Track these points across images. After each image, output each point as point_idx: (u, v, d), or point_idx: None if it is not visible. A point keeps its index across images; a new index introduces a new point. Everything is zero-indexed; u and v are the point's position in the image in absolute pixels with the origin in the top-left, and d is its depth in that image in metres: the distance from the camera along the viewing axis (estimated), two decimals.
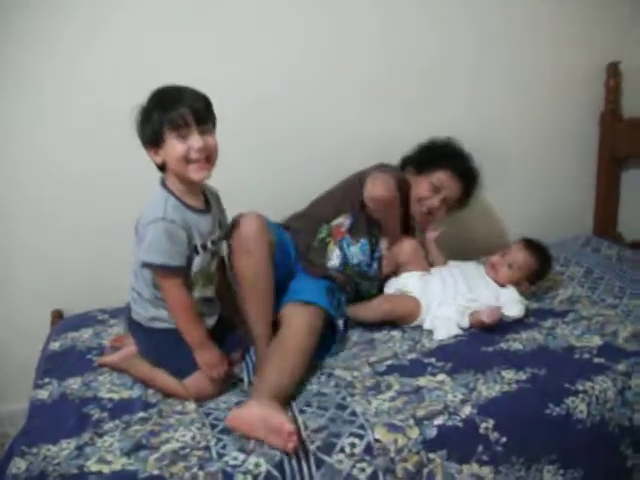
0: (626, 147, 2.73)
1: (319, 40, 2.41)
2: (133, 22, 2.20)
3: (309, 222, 2.21)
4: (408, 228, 2.32)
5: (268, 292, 1.88)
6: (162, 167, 1.69)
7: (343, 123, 2.50)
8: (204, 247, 1.71)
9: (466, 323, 2.03)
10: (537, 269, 2.22)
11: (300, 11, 2.36)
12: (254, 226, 1.85)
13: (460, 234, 2.60)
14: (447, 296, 2.09)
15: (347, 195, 2.21)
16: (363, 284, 2.17)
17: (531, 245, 2.23)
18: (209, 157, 1.64)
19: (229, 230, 1.86)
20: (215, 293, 1.83)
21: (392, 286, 2.17)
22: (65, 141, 2.23)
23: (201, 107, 1.62)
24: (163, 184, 1.69)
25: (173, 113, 1.58)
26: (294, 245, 2.14)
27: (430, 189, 2.28)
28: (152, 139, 1.62)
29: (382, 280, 2.20)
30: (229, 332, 1.90)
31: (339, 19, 2.40)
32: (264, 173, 2.42)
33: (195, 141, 1.60)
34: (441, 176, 2.28)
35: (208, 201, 1.77)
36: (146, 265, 1.64)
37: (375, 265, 2.15)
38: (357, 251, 2.12)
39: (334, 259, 2.11)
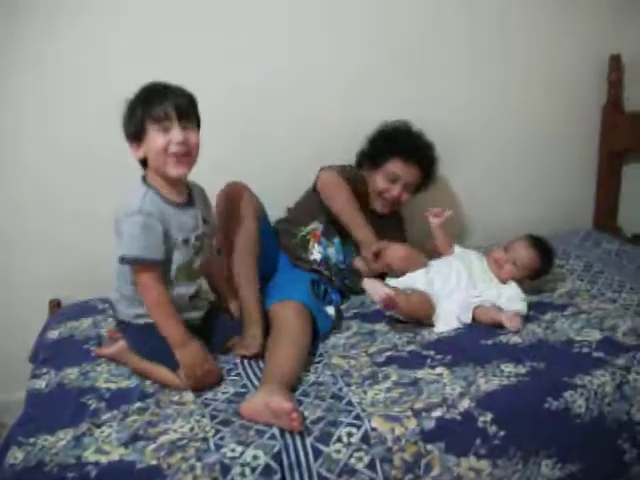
0: (627, 140, 2.72)
1: (306, 35, 2.41)
2: (145, 14, 2.22)
3: (289, 225, 2.28)
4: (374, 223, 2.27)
5: (255, 254, 1.98)
6: (144, 163, 1.69)
7: (328, 118, 2.49)
8: (186, 242, 1.71)
9: (468, 318, 2.02)
10: (540, 268, 2.21)
11: (290, 8, 2.36)
12: (241, 190, 1.99)
13: (460, 225, 2.59)
14: (449, 290, 2.08)
15: (317, 199, 2.24)
16: (348, 279, 2.25)
17: (537, 243, 2.20)
18: (189, 152, 1.65)
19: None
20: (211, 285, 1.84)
21: (396, 284, 2.12)
22: (73, 125, 2.24)
23: (184, 103, 1.64)
24: (144, 179, 1.69)
25: (156, 107, 1.60)
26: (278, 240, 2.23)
27: (386, 180, 2.30)
28: (134, 133, 1.63)
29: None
30: (222, 320, 1.90)
31: (328, 16, 2.40)
32: (251, 167, 2.39)
33: (176, 134, 1.61)
34: (394, 165, 2.29)
35: (192, 197, 1.77)
36: (122, 259, 1.63)
37: (348, 261, 2.24)
38: (333, 251, 2.24)
39: (315, 254, 2.21)
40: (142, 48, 2.23)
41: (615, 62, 2.71)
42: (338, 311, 2.12)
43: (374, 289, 1.95)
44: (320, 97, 2.46)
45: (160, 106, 1.60)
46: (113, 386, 1.73)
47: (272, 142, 2.47)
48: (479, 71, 2.63)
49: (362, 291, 2.13)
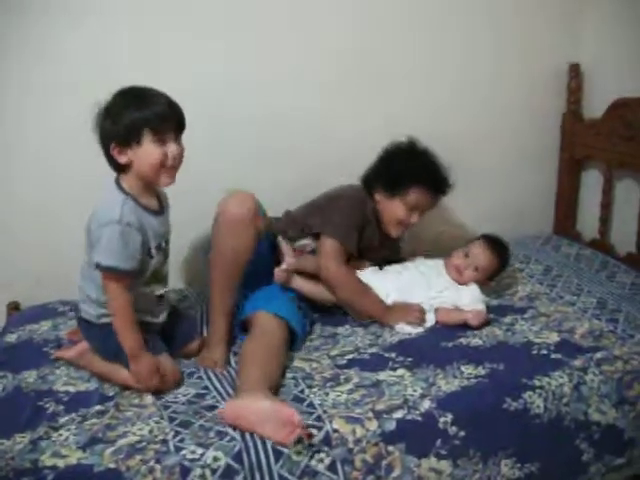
0: (586, 148, 2.77)
1: (289, 40, 2.40)
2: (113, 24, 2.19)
3: (281, 233, 2.19)
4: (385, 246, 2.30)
5: (239, 275, 1.90)
6: (120, 167, 1.66)
7: (312, 121, 2.50)
8: (158, 248, 1.71)
9: (432, 320, 2.04)
10: (498, 268, 2.24)
11: (270, 10, 2.35)
12: (245, 207, 1.86)
13: (421, 233, 2.61)
14: (405, 293, 2.10)
15: (312, 219, 2.18)
16: None
17: (492, 243, 2.21)
18: (179, 164, 1.67)
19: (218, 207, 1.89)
20: None
21: None
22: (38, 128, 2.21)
23: (183, 117, 1.65)
24: (118, 184, 1.67)
25: (155, 114, 1.59)
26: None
27: (407, 210, 2.18)
28: (123, 137, 1.60)
29: None
30: (183, 323, 1.91)
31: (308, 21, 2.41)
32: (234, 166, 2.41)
33: (173, 148, 1.62)
34: (416, 196, 2.17)
35: (161, 202, 1.77)
36: (98, 267, 1.62)
37: None
38: None
39: None
40: (139, 52, 2.22)
41: (574, 70, 2.76)
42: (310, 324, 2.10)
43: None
44: (300, 103, 2.47)
45: (161, 116, 1.59)
46: (72, 389, 1.71)
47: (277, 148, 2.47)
48: (441, 79, 2.66)
49: (336, 307, 2.13)
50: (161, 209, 1.75)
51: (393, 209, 2.19)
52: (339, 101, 2.53)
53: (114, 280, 1.62)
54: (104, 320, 1.72)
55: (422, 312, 2.03)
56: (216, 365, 1.82)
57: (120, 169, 1.67)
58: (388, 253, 2.31)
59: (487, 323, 2.04)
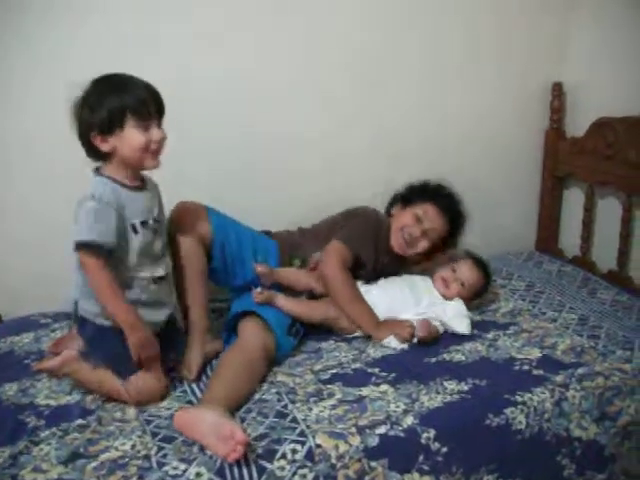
0: (568, 165, 2.80)
1: (289, 51, 2.43)
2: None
3: (289, 247, 2.24)
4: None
5: (198, 281, 1.96)
6: (101, 156, 1.66)
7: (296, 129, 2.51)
8: (144, 224, 1.69)
9: (415, 339, 2.04)
10: (482, 288, 2.28)
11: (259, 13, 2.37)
12: (185, 217, 1.97)
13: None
14: (393, 309, 2.10)
15: (333, 234, 2.21)
16: None
17: (479, 264, 2.27)
18: (162, 148, 1.67)
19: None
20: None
21: None
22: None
23: (161, 98, 1.65)
24: (98, 172, 1.67)
25: (136, 99, 1.59)
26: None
27: (413, 218, 2.24)
28: (105, 124, 1.59)
29: None
30: (175, 337, 1.88)
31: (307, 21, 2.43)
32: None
33: (156, 133, 1.63)
34: (426, 208, 2.25)
35: (145, 182, 1.75)
36: (75, 247, 1.60)
37: None
38: None
39: None
40: (141, 51, 2.23)
41: (557, 89, 2.80)
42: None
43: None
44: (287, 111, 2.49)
45: (142, 101, 1.59)
46: (53, 402, 1.69)
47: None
48: (425, 97, 2.68)
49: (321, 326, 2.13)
50: (143, 187, 1.73)
51: (402, 217, 2.29)
52: (334, 114, 2.56)
53: (90, 257, 1.59)
54: (100, 320, 1.69)
55: (413, 328, 2.03)
56: (190, 373, 1.83)
57: (101, 158, 1.66)
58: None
59: (435, 338, 2.04)
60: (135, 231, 1.67)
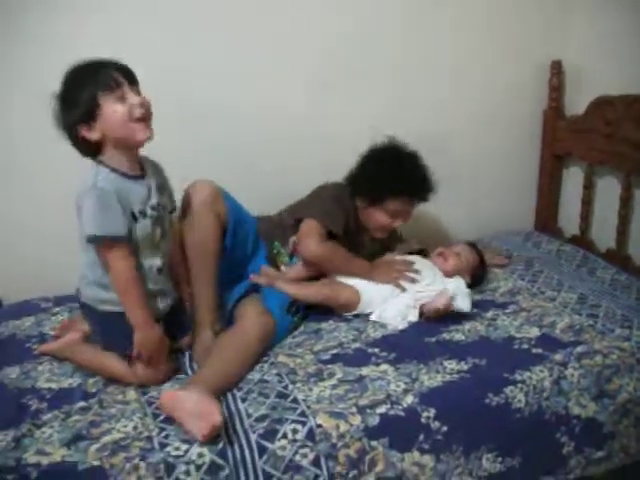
0: (567, 144, 2.80)
1: (276, 33, 2.40)
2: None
3: (272, 230, 2.23)
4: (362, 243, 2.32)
5: (212, 260, 1.93)
6: (95, 149, 1.64)
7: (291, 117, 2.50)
8: (143, 213, 1.68)
9: (415, 317, 2.05)
10: (478, 268, 2.31)
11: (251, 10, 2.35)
12: (204, 194, 1.93)
13: (402, 230, 2.62)
14: (394, 290, 2.11)
15: (297, 214, 2.20)
16: None
17: (472, 246, 2.33)
18: (150, 115, 1.64)
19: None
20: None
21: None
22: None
23: (127, 67, 1.63)
24: (96, 161, 1.66)
25: (104, 77, 1.57)
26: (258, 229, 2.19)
27: (388, 216, 2.21)
28: (85, 113, 1.58)
29: None
30: (180, 318, 1.89)
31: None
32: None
33: (134, 98, 1.60)
34: (395, 204, 2.18)
35: (144, 169, 1.74)
36: (89, 240, 1.60)
37: None
38: None
39: (283, 269, 2.19)
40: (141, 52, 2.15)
41: (556, 68, 2.78)
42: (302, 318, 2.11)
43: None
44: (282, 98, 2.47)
45: (108, 75, 1.57)
46: (55, 386, 1.70)
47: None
48: (424, 78, 2.67)
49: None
50: (142, 175, 1.72)
51: (375, 217, 2.23)
52: (324, 98, 2.53)
53: (107, 248, 1.60)
54: (104, 307, 1.70)
55: (407, 264, 2.04)
56: (202, 352, 1.82)
57: (96, 151, 1.65)
58: (379, 248, 2.34)
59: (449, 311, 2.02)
60: (135, 220, 1.66)
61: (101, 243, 1.60)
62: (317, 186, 2.27)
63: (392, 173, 2.16)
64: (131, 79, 1.62)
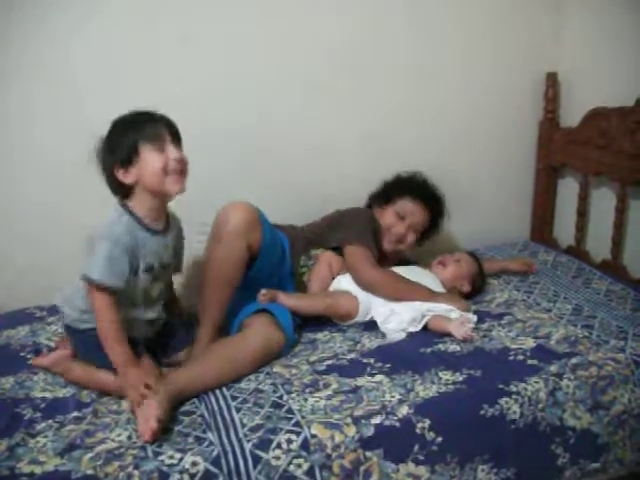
0: (562, 155, 2.81)
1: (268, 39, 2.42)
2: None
3: (302, 247, 2.25)
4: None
5: (229, 287, 1.91)
6: (126, 192, 1.70)
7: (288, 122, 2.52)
8: (150, 268, 1.72)
9: (417, 328, 2.04)
10: (477, 275, 2.32)
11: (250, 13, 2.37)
12: (238, 219, 1.88)
13: None
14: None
15: (331, 234, 2.25)
16: None
17: (471, 255, 2.35)
18: (185, 170, 1.70)
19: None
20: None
21: (332, 286, 2.19)
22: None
23: (174, 124, 1.70)
24: (123, 205, 1.71)
25: (149, 128, 1.65)
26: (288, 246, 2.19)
27: (395, 216, 2.32)
28: (125, 157, 1.65)
29: None
30: (175, 333, 1.91)
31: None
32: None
33: (173, 152, 1.66)
34: (404, 203, 2.33)
35: (169, 225, 1.79)
36: (84, 278, 1.63)
37: None
38: None
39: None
40: (141, 54, 2.24)
41: (551, 80, 2.80)
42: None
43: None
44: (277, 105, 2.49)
45: (153, 127, 1.65)
46: (49, 395, 1.70)
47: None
48: (417, 87, 2.68)
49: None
50: (164, 231, 1.76)
51: (385, 218, 2.34)
52: (323, 105, 2.56)
53: (98, 295, 1.63)
54: (86, 326, 1.72)
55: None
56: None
57: (127, 193, 1.71)
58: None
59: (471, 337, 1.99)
60: (136, 274, 1.70)
61: (97, 289, 1.63)
62: (345, 209, 2.34)
63: (407, 180, 2.43)
64: (175, 136, 1.69)
